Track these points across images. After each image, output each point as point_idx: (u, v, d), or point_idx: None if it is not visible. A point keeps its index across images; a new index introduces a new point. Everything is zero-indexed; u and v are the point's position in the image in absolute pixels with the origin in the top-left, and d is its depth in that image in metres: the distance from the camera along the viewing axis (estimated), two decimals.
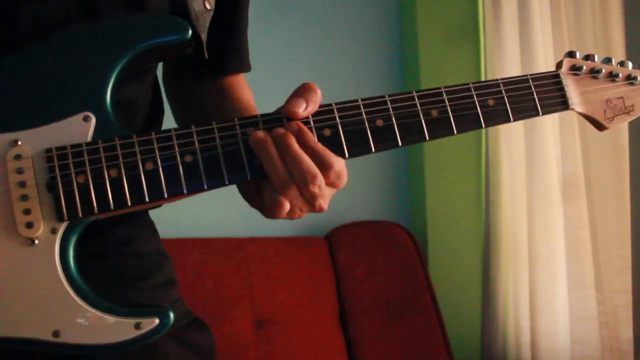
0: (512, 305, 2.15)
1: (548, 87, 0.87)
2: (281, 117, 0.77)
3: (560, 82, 0.88)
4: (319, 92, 0.77)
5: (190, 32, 0.77)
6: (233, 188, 0.84)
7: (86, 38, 0.75)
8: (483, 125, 0.83)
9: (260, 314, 1.98)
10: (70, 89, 0.74)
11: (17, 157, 0.71)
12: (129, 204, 0.73)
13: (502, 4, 2.11)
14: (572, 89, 0.89)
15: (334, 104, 0.78)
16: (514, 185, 2.14)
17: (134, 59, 0.76)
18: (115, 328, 0.72)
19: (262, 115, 0.77)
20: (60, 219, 0.71)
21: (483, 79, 2.19)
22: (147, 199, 0.73)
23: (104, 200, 0.72)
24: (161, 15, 0.82)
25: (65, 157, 0.72)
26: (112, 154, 0.73)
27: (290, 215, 0.77)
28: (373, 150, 0.78)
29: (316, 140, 0.75)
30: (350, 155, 0.77)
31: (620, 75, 0.91)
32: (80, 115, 0.74)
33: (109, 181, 0.72)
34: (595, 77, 0.91)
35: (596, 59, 0.92)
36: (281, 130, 0.75)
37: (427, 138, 0.80)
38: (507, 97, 0.84)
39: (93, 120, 0.74)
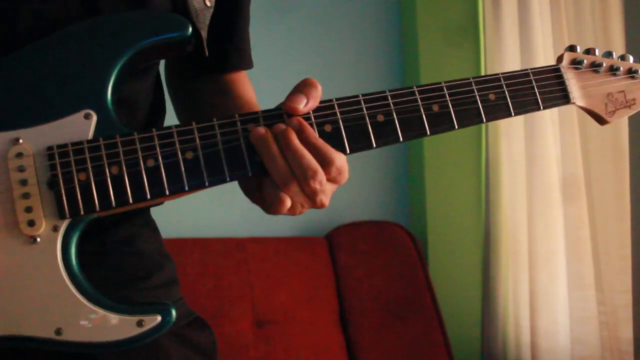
0: (512, 305, 2.14)
1: (549, 81, 0.87)
2: (282, 113, 0.77)
3: (561, 76, 0.88)
4: (319, 87, 0.77)
5: (190, 29, 0.77)
6: (233, 188, 0.84)
7: (86, 36, 0.75)
8: (484, 120, 0.82)
9: (260, 314, 1.98)
10: (71, 87, 0.74)
11: (19, 155, 0.71)
12: (131, 201, 0.73)
13: (502, 3, 2.11)
14: (573, 83, 0.89)
15: (334, 100, 0.78)
16: (514, 185, 2.14)
17: (135, 56, 0.76)
18: (118, 326, 0.72)
19: (263, 112, 0.77)
20: (62, 216, 0.71)
21: None
22: (148, 196, 0.73)
23: (105, 197, 0.72)
24: (161, 12, 0.82)
25: (66, 154, 0.72)
26: (113, 151, 0.73)
27: (292, 211, 0.77)
28: (374, 145, 0.78)
29: (317, 136, 0.75)
30: (351, 151, 0.77)
31: (621, 69, 0.91)
32: (81, 113, 0.74)
33: (111, 178, 0.72)
34: (596, 71, 0.91)
35: (597, 53, 0.91)
36: (282, 126, 0.75)
37: (428, 133, 0.80)
38: (507, 91, 0.84)
39: (94, 117, 0.74)
